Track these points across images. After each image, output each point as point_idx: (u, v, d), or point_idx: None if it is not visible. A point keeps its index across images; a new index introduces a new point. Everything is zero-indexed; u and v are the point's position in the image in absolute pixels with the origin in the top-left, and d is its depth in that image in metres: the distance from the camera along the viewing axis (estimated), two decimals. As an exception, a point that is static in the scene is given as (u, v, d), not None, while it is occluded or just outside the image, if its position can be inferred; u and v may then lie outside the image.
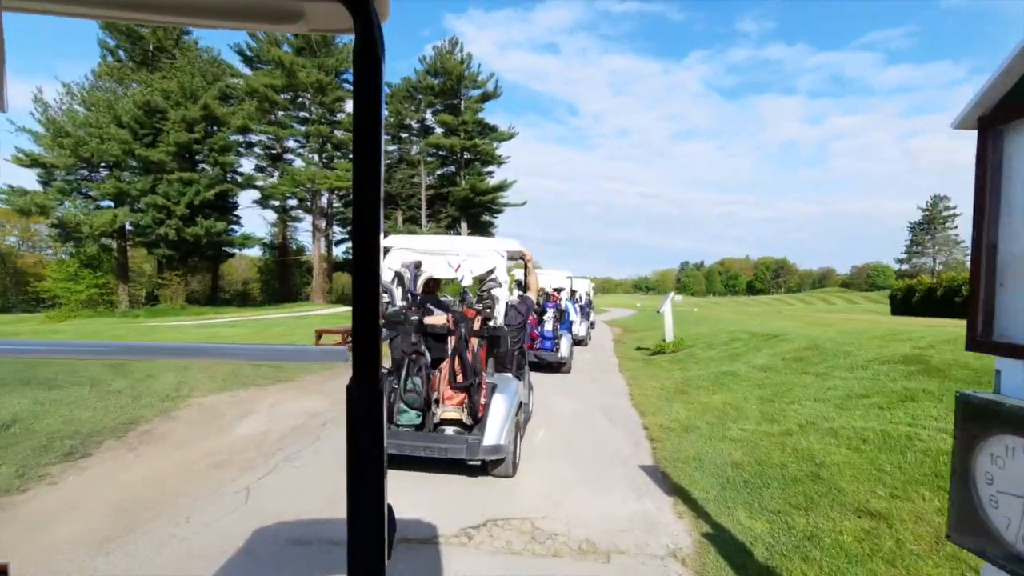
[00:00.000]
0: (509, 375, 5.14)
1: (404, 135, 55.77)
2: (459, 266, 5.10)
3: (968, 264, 1.58)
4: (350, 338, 0.74)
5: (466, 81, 52.02)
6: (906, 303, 40.12)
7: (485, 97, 53.18)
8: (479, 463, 4.53)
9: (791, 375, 8.05)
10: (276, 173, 47.74)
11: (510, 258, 5.40)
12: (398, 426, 4.46)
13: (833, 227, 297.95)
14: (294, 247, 55.56)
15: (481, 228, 52.27)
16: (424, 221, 51.93)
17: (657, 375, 9.98)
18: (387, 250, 5.12)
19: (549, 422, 6.51)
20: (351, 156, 0.68)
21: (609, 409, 7.38)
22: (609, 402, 7.86)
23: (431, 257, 5.19)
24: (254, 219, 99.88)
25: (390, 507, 0.75)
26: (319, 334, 12.93)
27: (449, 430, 4.49)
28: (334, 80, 46.03)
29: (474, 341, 4.63)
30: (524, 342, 5.76)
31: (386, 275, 4.90)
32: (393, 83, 53.32)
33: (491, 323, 4.81)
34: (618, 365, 11.98)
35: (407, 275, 4.90)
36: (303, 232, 54.13)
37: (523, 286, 6.16)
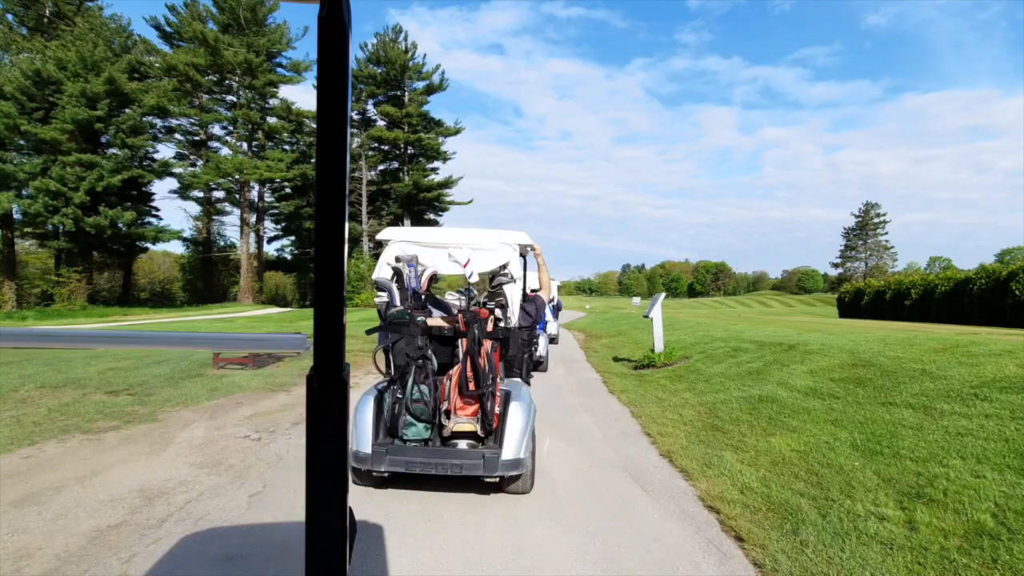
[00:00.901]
0: (519, 380, 4.58)
1: (344, 125, 51.96)
2: (468, 261, 4.45)
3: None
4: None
5: (410, 72, 48.73)
6: (854, 306, 40.16)
7: (430, 89, 50.06)
8: (496, 480, 3.89)
9: (867, 406, 5.86)
10: (199, 161, 43.10)
11: (520, 254, 4.85)
12: (404, 440, 3.96)
13: (766, 232, 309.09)
14: (221, 243, 50.77)
15: (425, 226, 49.19)
16: (365, 217, 48.39)
17: (664, 399, 7.67)
18: (384, 243, 4.61)
19: (550, 491, 4.04)
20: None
21: (630, 463, 4.97)
22: (623, 449, 5.46)
23: (431, 251, 4.58)
24: (176, 211, 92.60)
25: (350, 509, 0.69)
26: (216, 359, 9.95)
27: (462, 444, 3.99)
28: (266, 62, 41.86)
29: (487, 344, 4.09)
30: (531, 345, 5.13)
31: (384, 271, 4.38)
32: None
33: (502, 324, 4.34)
34: (603, 382, 9.64)
35: (407, 271, 4.32)
36: (231, 227, 49.56)
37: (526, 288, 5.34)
